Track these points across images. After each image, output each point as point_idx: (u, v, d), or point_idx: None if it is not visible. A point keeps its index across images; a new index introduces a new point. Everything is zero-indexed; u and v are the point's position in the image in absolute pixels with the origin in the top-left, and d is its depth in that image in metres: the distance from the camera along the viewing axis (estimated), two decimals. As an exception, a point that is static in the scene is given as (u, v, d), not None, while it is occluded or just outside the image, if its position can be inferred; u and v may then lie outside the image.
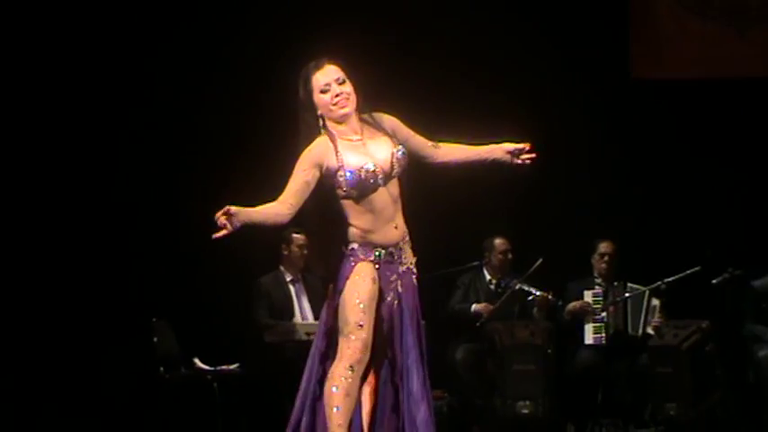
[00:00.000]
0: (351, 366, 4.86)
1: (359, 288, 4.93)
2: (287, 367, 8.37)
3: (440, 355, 9.01)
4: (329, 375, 4.89)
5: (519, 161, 5.33)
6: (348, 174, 4.93)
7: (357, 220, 4.98)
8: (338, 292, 4.96)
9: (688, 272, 8.75)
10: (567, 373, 9.03)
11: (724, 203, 9.72)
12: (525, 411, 8.70)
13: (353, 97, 5.02)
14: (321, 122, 5.01)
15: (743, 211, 9.68)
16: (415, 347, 5.01)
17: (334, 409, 4.86)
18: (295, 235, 8.69)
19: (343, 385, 4.86)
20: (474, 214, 9.51)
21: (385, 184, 4.97)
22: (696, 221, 9.68)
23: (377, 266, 4.97)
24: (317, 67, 5.02)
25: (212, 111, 9.38)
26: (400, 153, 5.02)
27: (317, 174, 4.93)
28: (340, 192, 4.96)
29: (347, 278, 4.94)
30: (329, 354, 4.99)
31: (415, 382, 4.99)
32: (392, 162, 4.99)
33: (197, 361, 8.69)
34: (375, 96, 5.17)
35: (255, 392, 8.58)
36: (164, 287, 9.04)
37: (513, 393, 8.73)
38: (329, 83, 4.99)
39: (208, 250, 9.11)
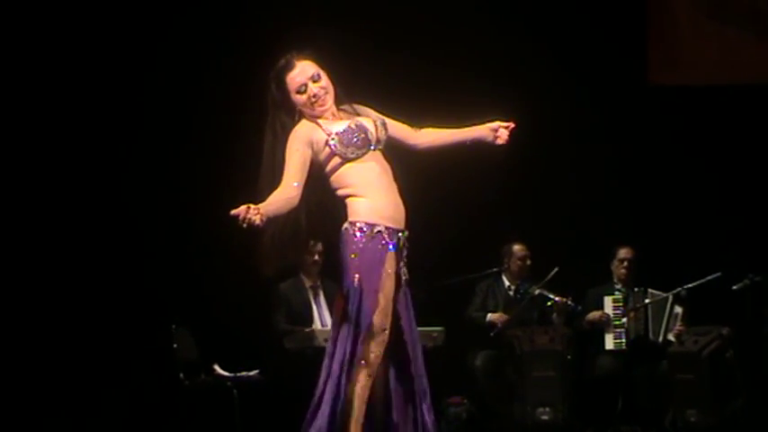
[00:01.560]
0: (371, 375, 4.85)
1: (386, 288, 4.83)
2: (306, 373, 8.37)
3: (459, 362, 9.02)
4: (356, 381, 4.85)
5: (498, 140, 5.14)
6: (337, 136, 4.87)
7: (364, 189, 4.87)
8: (364, 279, 4.81)
9: (708, 278, 8.73)
10: (587, 379, 9.02)
11: (743, 209, 9.69)
12: (545, 418, 8.68)
13: (331, 90, 4.95)
14: (298, 117, 4.95)
15: (763, 217, 9.64)
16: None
17: (352, 418, 4.86)
18: (310, 241, 8.71)
19: (364, 396, 4.86)
20: (493, 220, 9.50)
21: (375, 149, 4.91)
22: (717, 227, 9.65)
23: (397, 254, 4.87)
24: (290, 67, 4.94)
25: (234, 109, 9.39)
26: (380, 121, 4.96)
27: (309, 152, 4.88)
28: (334, 160, 4.88)
29: (381, 265, 4.80)
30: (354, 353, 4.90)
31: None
32: (376, 126, 4.93)
33: (217, 367, 8.70)
34: (370, 90, 5.14)
35: (275, 399, 8.57)
36: (183, 294, 9.05)
37: (532, 399, 8.71)
38: (304, 82, 4.93)
39: (228, 257, 9.24)
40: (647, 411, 8.85)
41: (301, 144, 4.89)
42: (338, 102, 5.02)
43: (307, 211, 4.98)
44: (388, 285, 4.85)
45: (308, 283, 8.77)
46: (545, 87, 9.72)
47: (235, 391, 8.57)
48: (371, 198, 4.88)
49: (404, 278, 4.95)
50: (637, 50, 10.02)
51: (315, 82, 4.93)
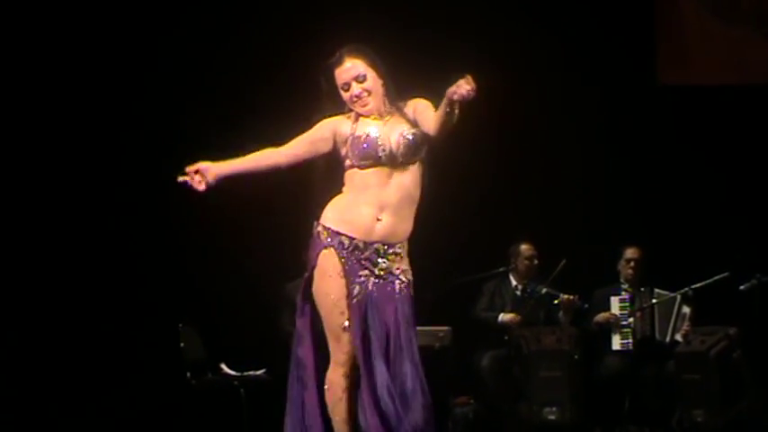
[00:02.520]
0: (346, 374, 4.83)
1: (329, 288, 4.84)
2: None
3: (466, 362, 9.02)
4: (328, 384, 4.85)
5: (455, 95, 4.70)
6: (350, 139, 4.90)
7: (347, 189, 4.90)
8: (308, 279, 4.90)
9: (716, 278, 8.71)
10: (594, 379, 9.00)
11: (752, 209, 9.68)
12: (552, 417, 8.67)
13: (377, 91, 4.94)
14: (347, 110, 4.99)
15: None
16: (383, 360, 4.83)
17: (338, 419, 4.86)
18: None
19: (339, 395, 4.84)
20: (500, 220, 9.50)
21: (389, 162, 4.87)
22: (724, 227, 9.64)
23: (342, 256, 4.84)
24: (339, 63, 4.97)
25: (241, 107, 9.40)
26: (410, 135, 4.90)
27: (329, 138, 4.93)
28: (347, 161, 4.92)
29: (314, 267, 4.88)
30: (305, 340, 4.98)
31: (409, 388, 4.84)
32: (398, 141, 4.89)
33: (224, 366, 8.71)
34: (407, 82, 5.11)
35: (282, 398, 8.56)
36: (191, 293, 9.06)
37: (539, 399, 8.70)
38: (348, 81, 4.94)
39: (235, 256, 9.26)
40: (654, 411, 8.83)
41: (323, 128, 4.97)
42: (393, 102, 5.00)
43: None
44: (331, 285, 4.84)
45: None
46: (555, 87, 9.73)
47: (242, 390, 8.59)
48: (341, 202, 4.91)
49: (365, 284, 4.87)
50: (646, 51, 10.02)
51: (359, 82, 4.94)
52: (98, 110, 9.20)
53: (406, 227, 4.93)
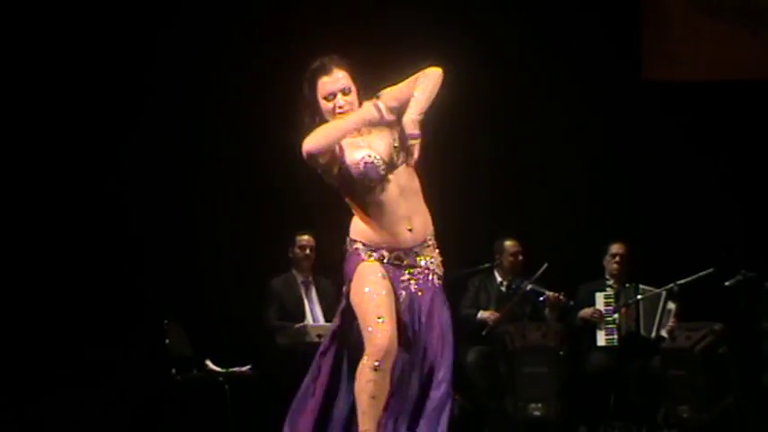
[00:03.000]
0: (376, 367, 4.75)
1: (369, 282, 4.83)
2: (298, 369, 8.37)
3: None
4: (357, 373, 4.80)
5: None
6: (350, 164, 4.86)
7: (364, 214, 4.90)
8: (346, 292, 4.91)
9: (701, 274, 8.72)
10: (579, 375, 9.01)
11: (737, 205, 9.70)
12: (537, 413, 8.68)
13: (356, 105, 4.93)
14: (319, 120, 4.93)
15: (756, 213, 9.65)
16: (439, 354, 4.92)
17: (360, 411, 4.82)
18: (298, 237, 8.73)
19: (368, 389, 4.79)
20: (485, 216, 9.50)
21: (389, 173, 4.86)
22: (709, 223, 9.66)
23: (383, 264, 4.87)
24: (325, 71, 4.93)
25: (226, 109, 9.39)
26: (396, 142, 4.88)
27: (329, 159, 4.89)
28: (348, 183, 4.90)
29: (354, 272, 4.87)
30: (329, 351, 4.96)
31: (443, 389, 4.91)
32: (390, 151, 4.89)
33: (209, 363, 8.70)
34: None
35: (267, 394, 8.57)
36: (176, 289, 9.05)
37: (524, 395, 8.71)
38: (334, 92, 4.91)
39: (220, 252, 9.25)
40: (639, 407, 8.85)
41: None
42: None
43: None
44: (371, 281, 4.83)
45: (299, 279, 8.78)
46: (540, 84, 9.73)
47: (227, 386, 8.59)
48: (368, 221, 4.90)
49: (407, 288, 4.91)
50: (631, 47, 10.02)
51: (344, 95, 4.92)
52: (88, 106, 9.18)
53: (427, 217, 4.98)
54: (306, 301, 8.73)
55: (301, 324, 8.52)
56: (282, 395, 8.39)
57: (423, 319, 4.92)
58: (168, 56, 9.29)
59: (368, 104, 4.83)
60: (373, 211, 4.89)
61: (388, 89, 4.99)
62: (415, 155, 4.84)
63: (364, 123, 4.82)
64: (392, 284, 4.86)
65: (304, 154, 4.81)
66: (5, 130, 9.04)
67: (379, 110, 4.79)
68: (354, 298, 4.87)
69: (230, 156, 9.35)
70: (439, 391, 4.92)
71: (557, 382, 8.73)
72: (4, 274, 8.91)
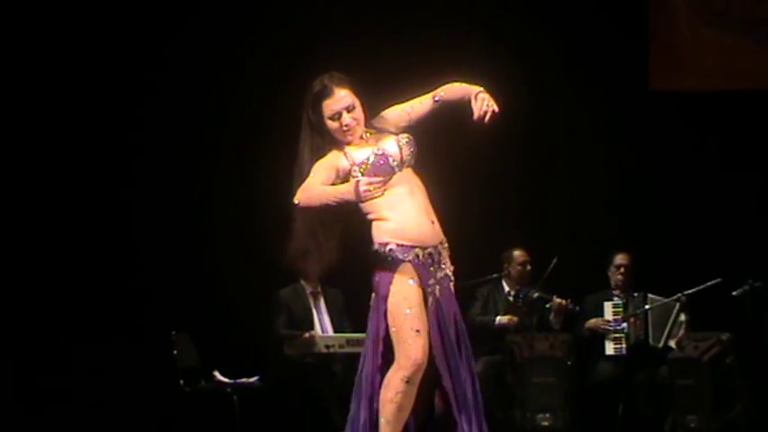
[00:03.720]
0: (408, 378, 4.80)
1: (406, 293, 4.86)
2: (306, 380, 8.40)
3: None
4: (385, 383, 4.83)
5: (477, 117, 5.01)
6: (359, 167, 4.93)
7: (387, 212, 4.93)
8: (383, 297, 4.90)
9: (708, 284, 8.72)
10: (587, 385, 9.01)
11: (744, 215, 9.69)
12: (545, 424, 8.68)
13: (362, 119, 5.02)
14: (329, 140, 5.02)
15: (763, 223, 9.64)
16: (462, 358, 4.96)
17: (383, 420, 4.84)
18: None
19: (396, 400, 4.81)
20: (493, 226, 9.50)
21: (401, 169, 4.95)
22: (716, 233, 9.65)
23: (417, 268, 4.89)
24: (327, 94, 5.00)
25: (235, 118, 9.40)
26: (404, 140, 5.00)
27: (333, 176, 4.94)
28: None
29: (390, 283, 4.88)
30: (389, 358, 4.91)
31: (470, 394, 4.97)
32: (400, 147, 4.98)
33: (217, 374, 8.71)
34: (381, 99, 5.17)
35: (275, 405, 8.58)
36: (184, 300, 9.06)
37: (532, 406, 8.71)
38: (339, 111, 4.99)
39: (228, 263, 9.26)
40: (647, 417, 8.84)
41: (326, 169, 4.96)
42: (368, 125, 5.07)
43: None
44: (408, 291, 4.86)
45: (308, 289, 8.78)
46: (547, 92, 9.73)
47: (235, 397, 8.60)
48: (393, 220, 4.93)
49: (433, 292, 4.95)
50: (638, 56, 10.03)
51: (349, 112, 4.99)
52: (96, 115, 9.21)
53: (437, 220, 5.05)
54: (314, 312, 8.73)
55: (310, 334, 8.50)
56: (291, 406, 8.49)
57: (448, 326, 4.95)
58: (172, 59, 9.30)
59: (350, 186, 4.83)
60: (393, 210, 4.93)
61: (398, 106, 5.10)
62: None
63: (344, 203, 4.84)
64: (424, 292, 4.90)
65: (296, 204, 4.90)
66: (7, 145, 9.07)
67: (357, 193, 4.78)
68: (394, 304, 4.87)
69: (240, 165, 9.35)
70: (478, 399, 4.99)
71: (565, 392, 8.73)
72: (11, 285, 8.92)
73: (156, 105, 9.27)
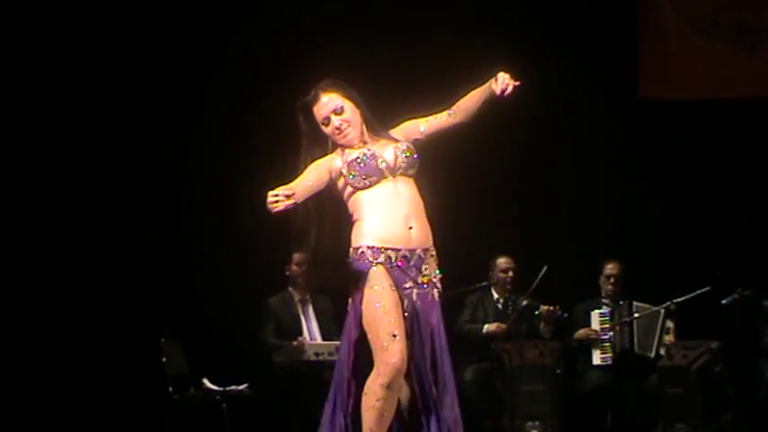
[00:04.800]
0: (388, 384, 4.78)
1: (380, 297, 4.84)
2: (295, 387, 8.38)
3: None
4: (365, 390, 4.82)
5: (500, 90, 5.18)
6: (347, 165, 4.97)
7: (367, 213, 4.94)
8: (357, 301, 4.90)
9: (698, 292, 8.73)
10: (577, 393, 9.01)
11: (734, 223, 9.70)
12: (534, 432, 8.69)
13: (355, 121, 5.05)
14: (332, 146, 5.06)
15: (753, 232, 9.65)
16: (432, 369, 4.93)
17: (366, 427, 4.83)
18: (295, 254, 8.73)
19: (377, 406, 4.80)
20: (485, 234, 9.50)
21: (391, 175, 4.96)
22: (705, 241, 9.66)
23: (391, 271, 4.88)
24: (315, 100, 5.04)
25: (221, 123, 9.39)
26: (402, 147, 5.02)
27: (326, 177, 4.97)
28: (348, 188, 4.97)
29: (364, 287, 4.87)
30: (359, 365, 4.91)
31: (447, 404, 4.94)
32: (396, 154, 5.00)
33: (206, 381, 8.69)
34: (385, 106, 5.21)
35: (264, 413, 8.57)
36: (172, 307, 9.05)
37: (522, 413, 8.70)
38: (327, 116, 5.03)
39: (217, 270, 9.25)
40: (636, 425, 8.84)
41: (318, 168, 4.99)
42: (373, 129, 5.09)
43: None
44: (382, 295, 4.84)
45: (296, 297, 8.77)
46: (535, 101, 9.72)
47: (224, 404, 8.58)
48: (368, 222, 4.95)
49: (410, 296, 4.93)
50: (627, 65, 10.03)
51: (337, 114, 5.03)
52: (84, 118, 9.20)
53: (429, 232, 5.04)
54: (303, 320, 8.72)
55: (299, 341, 8.50)
56: (279, 414, 8.47)
57: (423, 333, 4.93)
58: (160, 64, 9.30)
59: None
60: (373, 212, 4.95)
61: (414, 120, 5.15)
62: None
63: None
64: (399, 295, 4.89)
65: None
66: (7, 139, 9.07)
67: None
68: (367, 309, 4.87)
69: (228, 173, 9.34)
70: (453, 412, 4.96)
71: (554, 400, 8.72)
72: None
73: (143, 108, 9.25)
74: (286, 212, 4.81)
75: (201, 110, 9.35)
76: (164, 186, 9.31)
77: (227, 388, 8.64)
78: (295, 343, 8.47)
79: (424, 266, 4.95)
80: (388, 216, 4.93)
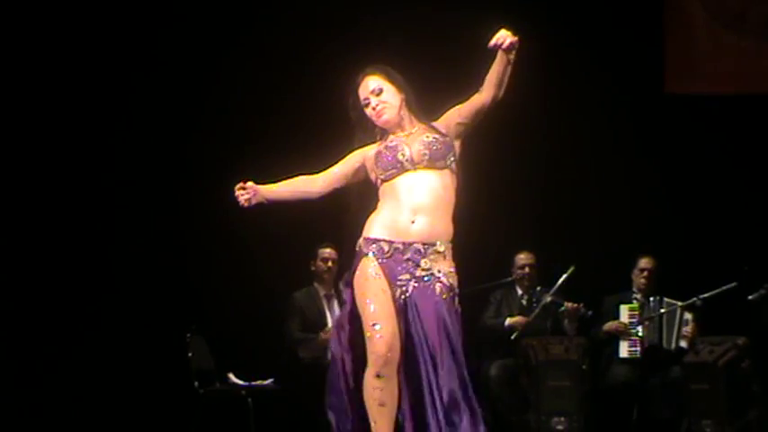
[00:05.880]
0: (377, 373, 4.82)
1: (364, 287, 4.90)
2: (321, 382, 8.37)
3: (473, 372, 8.99)
4: (364, 383, 4.87)
5: (503, 45, 5.14)
6: (372, 156, 5.06)
7: (380, 204, 5.03)
8: (351, 290, 4.98)
9: (724, 288, 8.69)
10: (602, 388, 8.99)
11: (760, 219, 9.67)
12: (560, 427, 8.67)
13: (393, 104, 5.08)
14: (379, 133, 5.12)
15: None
16: (430, 359, 4.91)
17: (373, 423, 4.86)
18: (320, 249, 8.73)
19: (375, 396, 4.84)
20: (513, 230, 9.49)
21: (411, 166, 4.99)
22: (733, 237, 9.63)
23: (381, 261, 4.92)
24: (358, 84, 5.13)
25: (249, 119, 9.41)
26: (429, 140, 5.04)
27: (359, 167, 5.09)
28: (378, 180, 5.05)
29: (354, 276, 4.96)
30: (355, 351, 4.97)
31: (445, 394, 4.91)
32: (419, 147, 5.02)
33: (231, 376, 8.72)
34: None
35: (290, 407, 8.58)
36: (198, 302, 9.07)
37: (547, 409, 8.70)
38: (367, 97, 5.09)
39: (242, 265, 9.27)
40: (662, 421, 8.82)
41: (353, 157, 5.12)
42: (416, 117, 5.13)
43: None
44: (365, 285, 4.90)
45: (321, 292, 8.78)
46: (562, 97, 9.72)
47: (249, 399, 8.60)
48: (378, 213, 5.02)
49: (404, 288, 4.94)
50: (654, 60, 10.01)
51: (376, 95, 5.09)
52: (112, 118, 9.24)
53: (445, 227, 5.03)
54: (328, 315, 8.72)
55: (324, 334, 8.49)
56: (305, 408, 8.48)
57: (421, 325, 4.91)
58: (171, 59, 9.33)
59: None
60: (385, 203, 5.02)
61: (452, 108, 5.17)
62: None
63: None
64: (389, 283, 4.89)
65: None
66: (25, 143, 9.10)
67: None
68: (357, 300, 4.93)
69: (254, 171, 9.34)
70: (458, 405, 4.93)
71: (579, 395, 8.72)
72: (26, 289, 8.95)
73: (166, 110, 9.28)
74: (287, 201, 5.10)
75: (222, 102, 9.36)
76: (191, 182, 9.32)
77: (253, 383, 8.67)
78: (321, 336, 8.46)
79: (423, 261, 4.95)
80: (394, 208, 4.97)
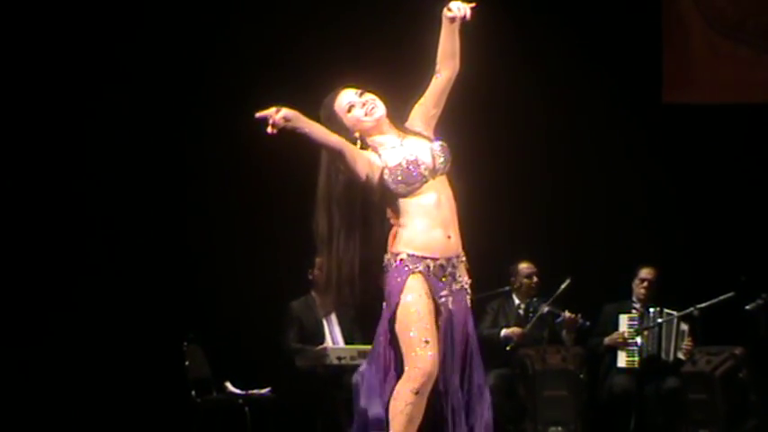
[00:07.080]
0: (417, 390, 4.75)
1: (416, 304, 4.81)
2: (318, 391, 8.39)
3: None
4: (394, 394, 4.79)
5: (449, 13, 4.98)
6: (389, 171, 4.88)
7: (407, 220, 4.89)
8: (393, 306, 4.85)
9: (721, 298, 8.69)
10: (600, 398, 8.98)
11: (758, 228, 9.67)
12: (557, 437, 8.67)
13: (379, 102, 4.98)
14: (360, 144, 4.97)
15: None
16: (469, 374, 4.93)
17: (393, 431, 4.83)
18: (318, 259, 8.72)
19: (406, 411, 4.78)
20: (506, 239, 9.49)
21: (432, 177, 4.91)
22: (729, 247, 9.63)
23: (428, 279, 4.84)
24: (333, 100, 5.00)
25: (247, 127, 9.39)
26: (437, 145, 4.97)
27: (363, 162, 4.88)
28: (389, 194, 4.91)
29: (400, 293, 4.83)
30: (395, 367, 4.88)
31: (486, 411, 4.94)
32: (432, 155, 4.94)
33: (228, 385, 8.71)
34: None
35: (287, 416, 8.58)
36: (195, 311, 9.07)
37: (544, 419, 8.70)
38: (351, 102, 4.97)
39: (240, 274, 9.27)
40: (660, 431, 8.81)
41: (366, 155, 4.92)
42: (393, 121, 5.03)
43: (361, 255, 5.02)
44: (419, 302, 4.81)
45: (319, 301, 8.77)
46: (561, 106, 9.73)
47: (246, 408, 8.59)
48: (410, 229, 4.91)
49: (446, 304, 4.89)
50: (652, 70, 10.01)
51: (360, 96, 4.99)
52: (106, 120, 9.24)
53: (460, 237, 5.00)
54: (325, 324, 8.72)
55: (322, 347, 8.51)
56: (302, 417, 8.48)
57: (456, 341, 4.89)
58: (172, 57, 9.33)
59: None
60: (415, 219, 4.89)
61: (416, 105, 5.07)
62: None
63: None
64: (434, 301, 4.86)
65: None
66: (22, 146, 9.10)
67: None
68: (402, 314, 4.83)
69: (252, 177, 9.36)
70: (483, 420, 4.93)
71: (577, 405, 8.71)
72: (20, 295, 8.94)
73: (162, 110, 9.28)
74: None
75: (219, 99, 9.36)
76: (188, 191, 9.32)
77: (250, 392, 8.66)
78: (318, 348, 8.46)
79: (457, 274, 4.92)
80: (430, 224, 4.88)
